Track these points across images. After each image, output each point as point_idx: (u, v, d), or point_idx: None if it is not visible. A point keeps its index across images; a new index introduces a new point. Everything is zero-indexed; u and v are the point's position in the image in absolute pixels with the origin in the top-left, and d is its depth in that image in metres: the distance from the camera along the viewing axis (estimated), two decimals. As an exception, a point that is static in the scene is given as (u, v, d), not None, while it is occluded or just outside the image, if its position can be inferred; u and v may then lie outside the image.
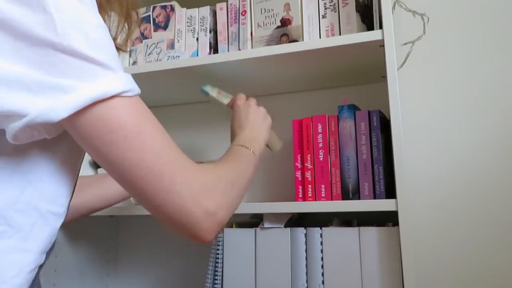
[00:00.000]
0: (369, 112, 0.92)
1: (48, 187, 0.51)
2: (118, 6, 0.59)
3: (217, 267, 0.96)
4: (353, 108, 0.93)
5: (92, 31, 0.45)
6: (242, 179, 0.66)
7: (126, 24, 0.62)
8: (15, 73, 0.42)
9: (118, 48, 0.56)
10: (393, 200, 0.81)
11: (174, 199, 0.50)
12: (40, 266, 0.52)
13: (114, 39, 0.55)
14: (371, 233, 0.86)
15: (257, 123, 0.84)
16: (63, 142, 0.52)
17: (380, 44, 0.87)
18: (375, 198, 0.88)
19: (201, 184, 0.52)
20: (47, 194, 0.51)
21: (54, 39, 0.43)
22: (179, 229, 0.52)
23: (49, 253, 0.54)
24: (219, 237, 0.97)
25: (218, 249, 0.97)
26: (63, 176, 0.52)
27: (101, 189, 0.89)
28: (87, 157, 1.19)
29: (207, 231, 0.52)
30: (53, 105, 0.43)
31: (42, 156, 0.50)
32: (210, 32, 1.12)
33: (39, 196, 0.50)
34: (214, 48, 1.12)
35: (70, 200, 0.56)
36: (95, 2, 0.47)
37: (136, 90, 0.49)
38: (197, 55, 1.11)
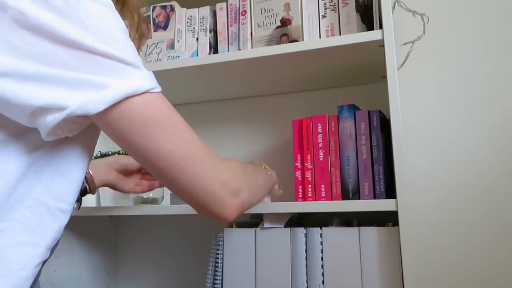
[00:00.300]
0: (369, 112, 0.92)
1: (57, 186, 0.53)
2: (130, 17, 0.63)
3: (217, 267, 0.96)
4: (353, 108, 0.93)
5: (118, 34, 0.49)
6: (259, 181, 0.74)
7: (136, 34, 0.66)
8: (50, 72, 0.45)
9: None
10: (393, 200, 0.81)
11: (203, 182, 0.55)
12: (44, 262, 0.54)
13: None
14: (371, 233, 0.86)
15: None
16: (77, 143, 0.54)
17: (380, 44, 0.87)
18: (375, 198, 0.88)
19: (226, 169, 0.58)
20: (56, 192, 0.53)
21: (85, 42, 0.46)
22: (206, 210, 0.57)
23: (53, 249, 0.55)
24: (219, 237, 0.97)
25: (218, 249, 0.97)
26: (72, 175, 0.55)
27: None
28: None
29: (231, 210, 0.58)
30: (91, 98, 0.47)
31: (56, 155, 0.53)
32: (210, 32, 1.12)
33: (48, 194, 0.52)
34: (214, 48, 1.12)
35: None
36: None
37: (159, 87, 0.53)
38: (197, 55, 1.11)
